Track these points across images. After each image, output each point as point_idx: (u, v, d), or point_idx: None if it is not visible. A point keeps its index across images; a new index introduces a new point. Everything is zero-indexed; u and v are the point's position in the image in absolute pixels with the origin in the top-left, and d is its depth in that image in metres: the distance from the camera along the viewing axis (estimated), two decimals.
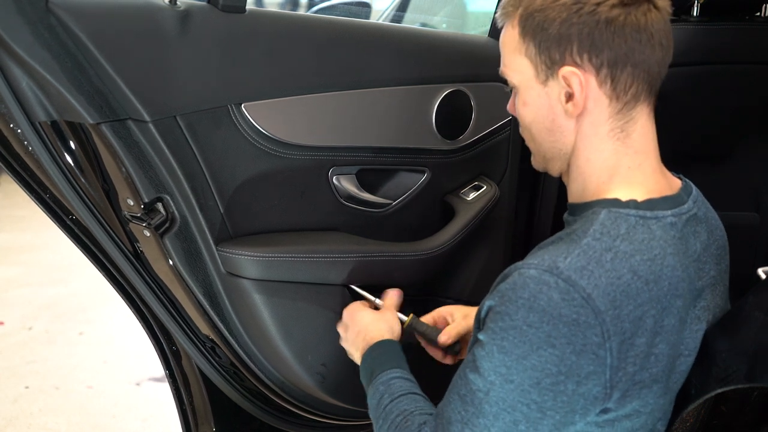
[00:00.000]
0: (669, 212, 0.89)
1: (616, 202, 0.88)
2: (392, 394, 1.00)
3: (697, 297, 0.91)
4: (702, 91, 1.56)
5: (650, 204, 0.88)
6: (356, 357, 1.14)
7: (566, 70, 0.88)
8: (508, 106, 1.01)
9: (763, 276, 0.88)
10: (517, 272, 0.84)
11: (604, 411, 0.85)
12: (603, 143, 0.90)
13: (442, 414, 0.89)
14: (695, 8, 1.51)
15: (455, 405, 0.87)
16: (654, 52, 0.88)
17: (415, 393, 1.01)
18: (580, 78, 0.88)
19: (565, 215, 0.97)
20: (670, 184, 0.94)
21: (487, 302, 0.87)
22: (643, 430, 0.90)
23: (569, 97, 0.89)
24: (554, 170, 0.98)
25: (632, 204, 0.88)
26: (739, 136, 1.69)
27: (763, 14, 1.58)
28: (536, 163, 1.01)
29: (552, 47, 0.89)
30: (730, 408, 0.98)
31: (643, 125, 0.91)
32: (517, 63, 0.93)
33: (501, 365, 0.82)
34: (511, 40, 0.93)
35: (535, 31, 0.90)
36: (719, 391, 0.85)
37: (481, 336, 0.86)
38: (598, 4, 0.85)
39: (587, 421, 0.86)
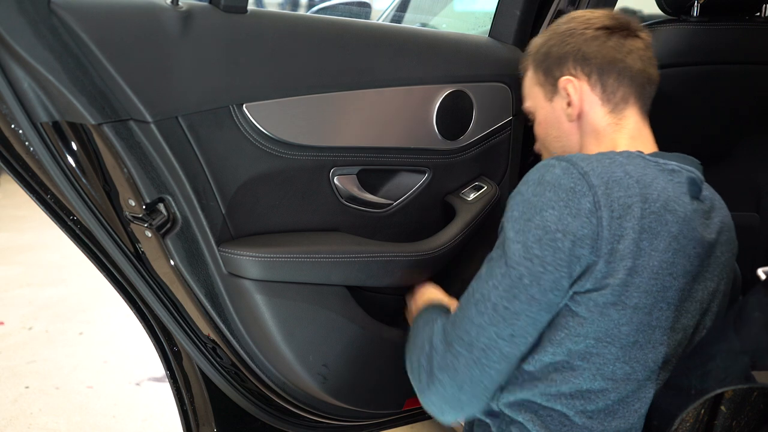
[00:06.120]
0: (674, 163, 1.01)
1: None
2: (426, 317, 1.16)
3: (702, 246, 0.99)
4: (702, 91, 1.56)
5: (657, 155, 1.02)
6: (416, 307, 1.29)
7: (563, 79, 1.12)
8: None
9: (763, 276, 0.88)
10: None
11: (591, 286, 0.93)
12: (602, 136, 1.10)
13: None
14: (695, 8, 1.50)
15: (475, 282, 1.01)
16: (635, 62, 1.09)
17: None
18: (574, 83, 1.11)
19: None
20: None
21: None
22: (623, 341, 0.95)
23: (569, 104, 1.12)
24: None
25: (637, 152, 1.02)
26: (740, 136, 1.69)
27: (763, 14, 1.58)
28: None
29: (554, 68, 1.14)
30: (730, 408, 0.98)
31: (636, 122, 1.10)
32: (532, 92, 1.20)
33: (510, 230, 0.96)
34: (528, 80, 1.20)
35: (542, 61, 1.16)
36: (719, 391, 0.85)
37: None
38: (586, 28, 1.11)
39: (573, 297, 0.94)
